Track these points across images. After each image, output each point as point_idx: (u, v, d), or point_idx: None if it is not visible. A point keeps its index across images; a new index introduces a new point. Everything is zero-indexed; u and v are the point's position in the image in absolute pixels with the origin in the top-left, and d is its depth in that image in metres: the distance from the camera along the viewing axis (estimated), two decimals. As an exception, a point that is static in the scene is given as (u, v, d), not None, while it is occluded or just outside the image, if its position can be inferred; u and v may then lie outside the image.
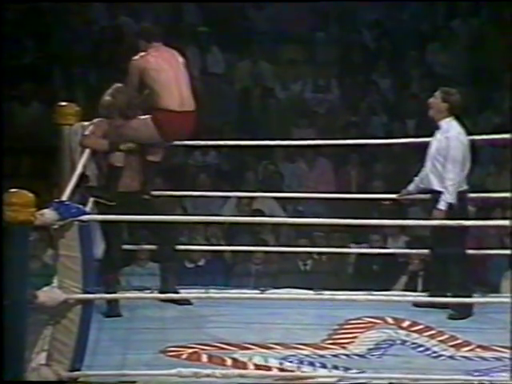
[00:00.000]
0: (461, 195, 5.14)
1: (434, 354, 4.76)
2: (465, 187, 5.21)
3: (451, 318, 5.11)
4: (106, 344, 4.69)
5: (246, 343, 4.74)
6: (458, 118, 5.24)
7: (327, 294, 5.20)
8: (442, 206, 5.08)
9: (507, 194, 5.89)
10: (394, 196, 5.51)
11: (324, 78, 9.09)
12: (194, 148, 8.29)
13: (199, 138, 7.65)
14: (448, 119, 5.17)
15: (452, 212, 5.06)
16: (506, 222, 5.90)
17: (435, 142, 5.19)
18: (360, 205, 6.84)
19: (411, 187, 5.38)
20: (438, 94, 5.19)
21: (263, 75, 9.13)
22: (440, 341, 4.89)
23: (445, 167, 5.11)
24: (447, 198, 5.08)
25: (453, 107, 5.15)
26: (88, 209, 4.59)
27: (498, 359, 4.70)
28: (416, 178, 5.37)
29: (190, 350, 4.67)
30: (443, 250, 5.11)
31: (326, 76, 9.09)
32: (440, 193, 5.11)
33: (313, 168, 8.32)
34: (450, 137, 5.14)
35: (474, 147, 5.35)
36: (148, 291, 5.43)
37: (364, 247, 6.92)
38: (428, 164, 5.20)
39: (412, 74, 9.24)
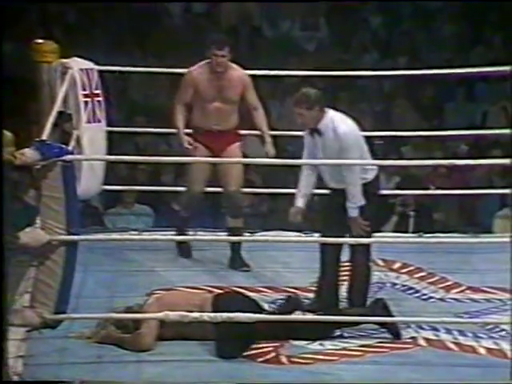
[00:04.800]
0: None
1: (424, 297, 4.76)
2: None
3: None
4: (92, 287, 4.68)
5: (234, 286, 4.72)
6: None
7: (317, 236, 5.13)
8: None
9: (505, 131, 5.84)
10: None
11: (313, 16, 8.96)
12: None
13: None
14: (325, 117, 4.48)
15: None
16: (497, 161, 5.85)
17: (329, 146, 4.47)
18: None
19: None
20: (297, 110, 4.45)
21: (250, 14, 8.98)
22: (430, 283, 4.89)
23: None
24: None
25: (321, 105, 4.47)
26: (70, 148, 4.53)
27: (488, 301, 4.71)
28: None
29: (178, 293, 4.64)
30: None
31: (315, 14, 8.95)
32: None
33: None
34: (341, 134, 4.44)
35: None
36: (135, 232, 5.39)
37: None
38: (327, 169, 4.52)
39: (403, 11, 9.12)
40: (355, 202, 4.43)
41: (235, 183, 5.08)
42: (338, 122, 4.50)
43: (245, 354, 4.10)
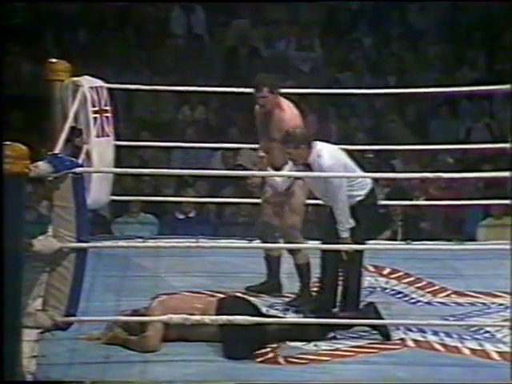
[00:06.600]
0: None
1: (412, 300, 4.78)
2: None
3: None
4: (100, 291, 4.69)
5: (234, 291, 4.72)
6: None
7: (312, 244, 5.14)
8: None
9: (484, 146, 5.86)
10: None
11: (308, 38, 8.98)
12: (183, 103, 8.32)
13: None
14: (313, 153, 4.41)
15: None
16: (478, 174, 5.87)
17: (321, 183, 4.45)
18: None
19: None
20: (285, 149, 4.42)
21: (249, 35, 9.01)
22: (418, 287, 4.91)
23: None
24: None
25: (307, 143, 4.40)
26: (80, 161, 4.54)
27: (472, 304, 4.73)
28: None
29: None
30: None
31: (310, 35, 8.98)
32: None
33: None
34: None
35: None
36: (140, 240, 5.40)
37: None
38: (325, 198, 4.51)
39: (392, 32, 9.16)
40: (343, 225, 4.43)
41: (287, 219, 4.71)
42: (322, 156, 4.39)
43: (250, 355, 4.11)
